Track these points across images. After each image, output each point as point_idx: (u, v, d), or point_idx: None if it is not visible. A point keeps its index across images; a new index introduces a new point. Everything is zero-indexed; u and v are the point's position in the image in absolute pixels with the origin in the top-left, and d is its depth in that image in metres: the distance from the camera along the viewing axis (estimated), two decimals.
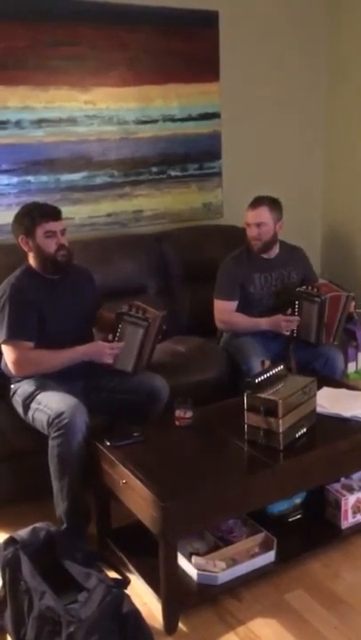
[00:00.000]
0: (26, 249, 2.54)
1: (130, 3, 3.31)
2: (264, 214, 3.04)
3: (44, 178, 3.27)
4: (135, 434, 2.31)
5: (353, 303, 3.07)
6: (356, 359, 3.79)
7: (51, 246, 2.51)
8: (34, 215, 2.51)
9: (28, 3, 3.06)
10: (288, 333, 2.99)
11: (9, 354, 2.47)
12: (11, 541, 1.93)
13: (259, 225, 3.04)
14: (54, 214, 2.53)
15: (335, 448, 2.30)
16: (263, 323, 3.02)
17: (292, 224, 3.35)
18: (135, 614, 1.78)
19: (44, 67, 3.16)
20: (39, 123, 3.21)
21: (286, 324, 2.97)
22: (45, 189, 3.27)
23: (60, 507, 2.35)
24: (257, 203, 3.06)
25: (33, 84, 3.15)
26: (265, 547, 2.25)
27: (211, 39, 3.62)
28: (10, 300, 2.47)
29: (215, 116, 3.73)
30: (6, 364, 2.53)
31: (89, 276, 2.77)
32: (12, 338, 2.45)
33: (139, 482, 2.03)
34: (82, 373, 2.56)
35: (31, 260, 2.57)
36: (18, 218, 2.55)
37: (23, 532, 1.97)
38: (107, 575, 1.91)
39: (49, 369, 2.48)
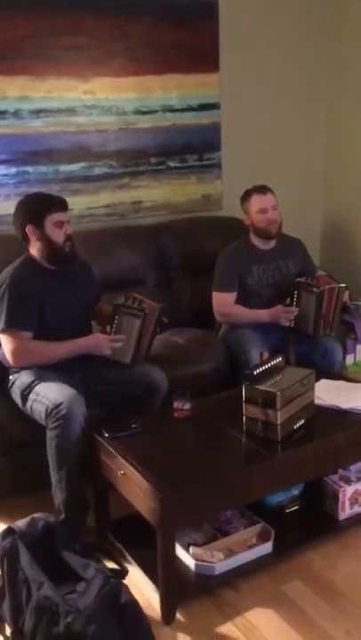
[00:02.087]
0: (33, 239, 2.53)
1: None
2: (274, 197, 3.08)
3: (42, 168, 3.26)
4: (133, 425, 2.32)
5: (346, 292, 3.08)
6: (354, 351, 3.80)
7: (60, 236, 2.51)
8: (45, 204, 2.51)
9: None
10: (288, 324, 2.99)
11: (7, 343, 2.47)
12: (9, 532, 1.94)
13: (275, 207, 3.07)
14: (63, 205, 2.55)
15: (333, 440, 2.30)
16: (263, 314, 3.02)
17: (291, 216, 3.34)
18: (133, 605, 1.78)
19: (43, 56, 3.14)
20: (38, 113, 3.19)
21: (285, 314, 2.97)
22: (44, 180, 3.26)
23: (59, 497, 2.35)
24: (263, 189, 3.08)
25: (32, 73, 3.13)
26: (263, 538, 2.26)
27: (210, 30, 3.59)
28: (9, 289, 2.46)
29: (215, 106, 3.72)
30: (4, 355, 2.53)
31: (88, 269, 2.77)
32: (10, 327, 2.45)
33: (137, 473, 2.04)
34: (80, 365, 2.56)
35: (34, 250, 2.56)
36: (24, 207, 2.54)
37: (21, 523, 1.97)
38: (105, 566, 1.92)
39: (47, 360, 2.48)
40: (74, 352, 2.50)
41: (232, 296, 3.09)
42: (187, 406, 2.38)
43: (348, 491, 2.38)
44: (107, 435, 2.27)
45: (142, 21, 3.37)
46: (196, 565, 2.13)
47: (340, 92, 4.07)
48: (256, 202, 3.06)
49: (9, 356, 2.47)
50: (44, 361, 2.48)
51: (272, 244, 3.15)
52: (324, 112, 4.17)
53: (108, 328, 2.55)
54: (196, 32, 3.55)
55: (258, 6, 3.75)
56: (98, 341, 2.52)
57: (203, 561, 2.13)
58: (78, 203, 3.36)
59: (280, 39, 3.88)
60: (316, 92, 4.11)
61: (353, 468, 2.49)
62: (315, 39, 4.02)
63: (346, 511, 2.40)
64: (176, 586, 2.03)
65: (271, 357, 2.42)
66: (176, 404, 2.38)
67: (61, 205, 2.54)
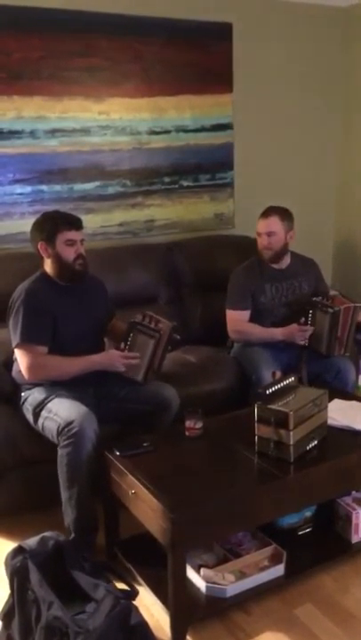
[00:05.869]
0: (44, 255, 2.56)
1: (144, 15, 3.34)
2: (275, 224, 3.04)
3: (57, 187, 3.30)
4: (145, 444, 2.31)
5: None
6: None
7: (70, 255, 2.53)
8: (57, 222, 2.53)
9: (43, 14, 3.08)
10: (303, 343, 2.98)
11: (22, 358, 2.48)
12: (19, 550, 1.93)
13: (269, 234, 3.04)
14: (76, 223, 2.56)
15: (346, 461, 2.28)
16: (278, 333, 3.02)
17: (304, 235, 3.35)
18: (143, 626, 1.77)
19: (58, 77, 3.19)
20: (53, 133, 3.23)
21: (301, 333, 2.96)
22: (59, 199, 3.29)
23: (69, 516, 2.34)
24: (268, 212, 3.07)
25: (47, 94, 3.18)
26: (274, 560, 2.23)
27: (224, 51, 3.64)
28: (24, 304, 2.48)
29: (228, 127, 3.75)
30: (18, 371, 2.54)
31: (102, 286, 2.79)
32: (25, 342, 2.46)
33: (148, 492, 2.03)
34: (92, 381, 2.56)
35: (48, 267, 2.58)
36: (39, 224, 2.57)
37: (32, 541, 1.96)
38: (115, 586, 1.90)
39: (61, 376, 2.49)
40: (88, 368, 2.51)
41: (246, 314, 3.08)
42: (198, 425, 2.37)
43: None
44: (118, 453, 2.26)
45: (156, 43, 3.42)
46: (207, 587, 2.10)
47: (354, 112, 4.09)
48: (258, 224, 3.08)
49: (24, 371, 2.48)
50: (58, 376, 2.49)
51: (285, 262, 3.15)
52: (336, 131, 4.19)
53: (122, 345, 2.56)
54: (210, 53, 3.59)
55: (271, 27, 3.79)
56: (112, 358, 2.53)
57: (214, 583, 2.11)
58: (92, 221, 3.38)
59: (293, 60, 3.92)
60: (328, 111, 4.13)
61: None
62: (329, 60, 4.06)
63: (359, 534, 2.37)
64: (187, 608, 2.01)
65: (283, 377, 2.41)
66: (188, 423, 2.38)
67: (74, 224, 2.55)
